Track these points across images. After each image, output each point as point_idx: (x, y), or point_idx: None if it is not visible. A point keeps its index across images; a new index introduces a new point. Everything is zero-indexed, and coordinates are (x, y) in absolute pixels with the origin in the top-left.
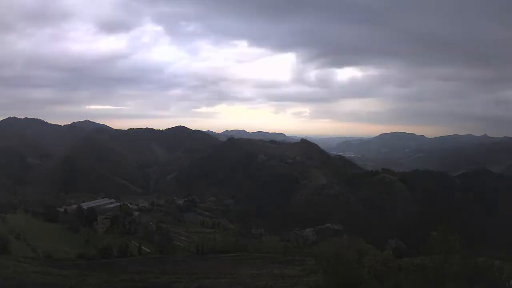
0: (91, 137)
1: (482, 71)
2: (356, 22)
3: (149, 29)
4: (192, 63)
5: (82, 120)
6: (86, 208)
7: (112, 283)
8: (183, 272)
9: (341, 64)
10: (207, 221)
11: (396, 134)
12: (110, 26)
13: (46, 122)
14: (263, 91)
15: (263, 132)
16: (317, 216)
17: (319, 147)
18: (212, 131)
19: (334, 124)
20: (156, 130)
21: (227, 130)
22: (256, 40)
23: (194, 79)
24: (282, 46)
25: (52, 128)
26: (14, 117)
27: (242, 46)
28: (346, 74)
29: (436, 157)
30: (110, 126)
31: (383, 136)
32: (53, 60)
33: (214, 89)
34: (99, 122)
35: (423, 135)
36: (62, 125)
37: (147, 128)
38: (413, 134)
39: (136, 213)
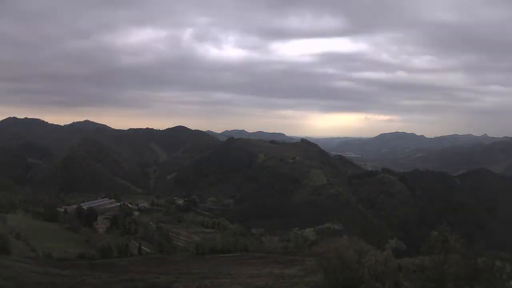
0: (91, 137)
1: None
2: None
3: None
4: None
5: (82, 120)
6: (86, 208)
7: (112, 283)
8: (183, 272)
9: None
10: (207, 221)
11: (396, 134)
12: None
13: (46, 122)
14: None
15: (263, 132)
16: (317, 216)
17: (319, 147)
18: (212, 131)
19: None
20: (156, 130)
21: (227, 130)
22: None
23: None
24: None
25: (52, 128)
26: (14, 117)
27: None
28: None
29: (436, 157)
30: (110, 126)
31: (383, 136)
32: None
33: None
34: (99, 122)
35: (423, 135)
36: (62, 125)
37: (147, 128)
38: (413, 134)
39: (136, 213)
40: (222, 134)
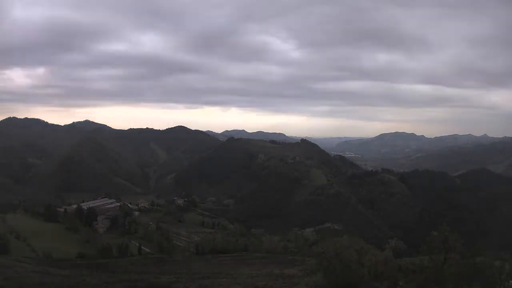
0: (91, 137)
1: None
2: None
3: None
4: None
5: (82, 120)
6: (86, 208)
7: (112, 283)
8: (183, 272)
9: None
10: (207, 221)
11: (396, 134)
12: None
13: (46, 122)
14: None
15: (263, 132)
16: (317, 216)
17: (319, 147)
18: (212, 131)
19: None
20: (156, 130)
21: (227, 130)
22: None
23: None
24: None
25: (52, 128)
26: (14, 117)
27: None
28: None
29: (436, 157)
30: (110, 126)
31: (383, 136)
32: None
33: None
34: (99, 122)
35: (423, 135)
36: (62, 125)
37: (147, 128)
38: (413, 134)
39: (136, 213)
40: (222, 134)
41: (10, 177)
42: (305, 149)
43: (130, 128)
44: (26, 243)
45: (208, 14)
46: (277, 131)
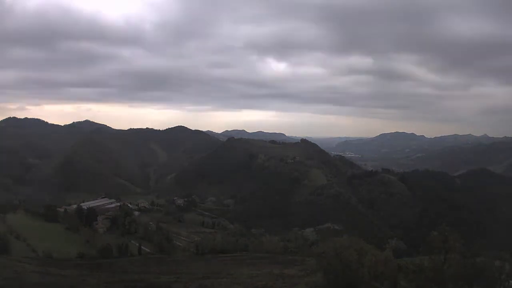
0: (91, 137)
1: None
2: None
3: None
4: None
5: (82, 120)
6: (86, 208)
7: (112, 283)
8: (183, 272)
9: None
10: (207, 221)
11: (396, 134)
12: None
13: (46, 122)
14: None
15: (263, 132)
16: (317, 216)
17: (319, 147)
18: (212, 131)
19: None
20: (156, 130)
21: (227, 130)
22: None
23: None
24: None
25: (52, 128)
26: (14, 117)
27: None
28: None
29: (436, 157)
30: (110, 126)
31: (383, 136)
32: None
33: None
34: (99, 122)
35: (423, 135)
36: (62, 125)
37: (147, 128)
38: (413, 134)
39: (136, 213)
40: (222, 134)
41: (10, 177)
42: (305, 149)
43: (130, 128)
44: (26, 243)
45: None
46: (277, 131)
